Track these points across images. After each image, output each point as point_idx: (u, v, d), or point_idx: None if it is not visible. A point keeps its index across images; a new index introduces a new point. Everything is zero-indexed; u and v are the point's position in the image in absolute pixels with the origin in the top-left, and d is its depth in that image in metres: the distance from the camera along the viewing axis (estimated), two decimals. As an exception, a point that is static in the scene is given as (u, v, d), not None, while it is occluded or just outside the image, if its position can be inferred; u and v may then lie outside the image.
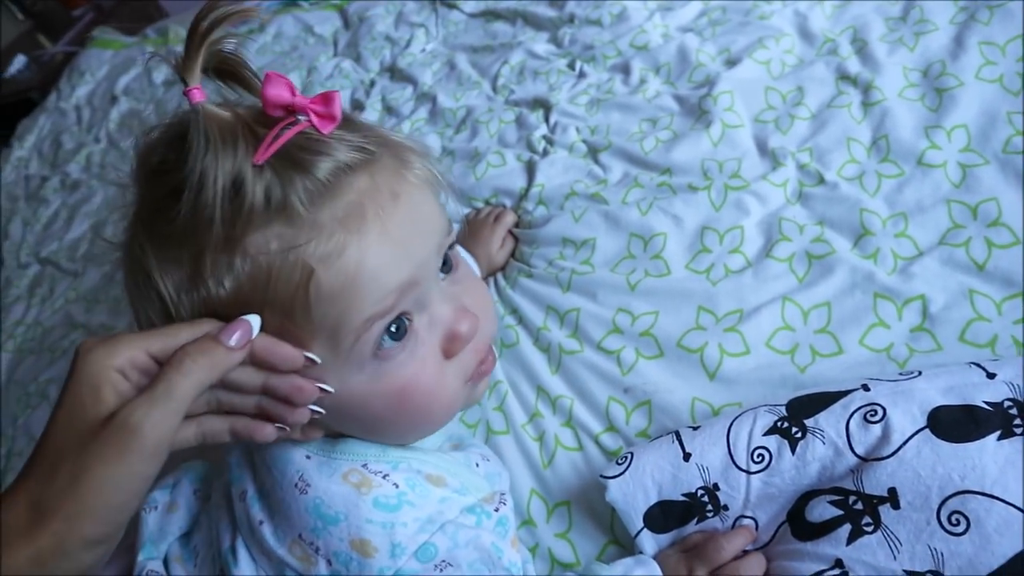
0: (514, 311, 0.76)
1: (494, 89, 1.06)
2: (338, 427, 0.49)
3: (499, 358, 0.73)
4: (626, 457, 0.60)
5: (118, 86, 1.76)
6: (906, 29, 0.84)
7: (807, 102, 0.81)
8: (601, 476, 0.60)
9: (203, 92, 0.40)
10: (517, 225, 0.86)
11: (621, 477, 0.59)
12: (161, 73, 1.75)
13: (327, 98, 0.41)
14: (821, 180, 0.74)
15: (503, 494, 0.55)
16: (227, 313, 0.41)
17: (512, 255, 0.84)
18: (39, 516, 0.36)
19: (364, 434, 0.50)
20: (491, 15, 1.23)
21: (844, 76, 0.82)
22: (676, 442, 0.59)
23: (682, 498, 0.58)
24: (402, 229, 0.42)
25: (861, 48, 0.84)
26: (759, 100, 0.83)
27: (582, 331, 0.71)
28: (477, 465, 0.57)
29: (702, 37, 0.95)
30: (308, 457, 0.48)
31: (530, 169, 0.89)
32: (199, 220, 0.38)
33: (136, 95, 1.71)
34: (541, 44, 1.09)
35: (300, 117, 0.41)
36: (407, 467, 0.49)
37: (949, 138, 0.73)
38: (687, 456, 0.58)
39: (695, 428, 0.60)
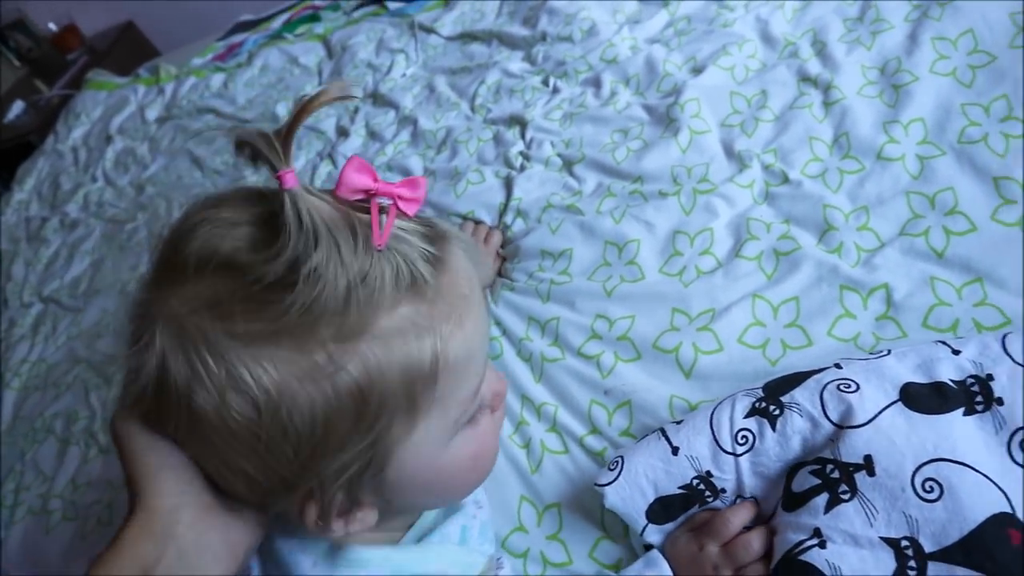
0: (498, 323, 0.79)
1: (472, 109, 1.09)
2: (403, 506, 0.49)
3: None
4: (617, 461, 0.62)
5: (112, 126, 1.80)
6: (863, 29, 0.87)
7: (770, 104, 0.84)
8: (596, 484, 0.61)
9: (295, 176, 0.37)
10: (502, 245, 0.88)
11: (616, 483, 0.61)
12: (154, 110, 1.79)
13: (414, 184, 0.40)
14: (786, 179, 0.76)
15: (499, 559, 0.57)
16: (347, 396, 0.38)
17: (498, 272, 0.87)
18: None
19: (421, 506, 0.52)
20: (467, 37, 1.26)
21: (805, 77, 0.85)
22: (663, 438, 0.61)
23: (679, 491, 0.59)
24: (482, 296, 0.45)
25: (821, 49, 0.87)
26: (725, 105, 0.86)
27: (562, 339, 0.74)
28: (475, 516, 0.58)
29: (669, 47, 0.98)
30: (315, 564, 0.48)
31: (508, 184, 0.92)
32: (317, 314, 0.36)
33: (130, 134, 1.75)
34: (516, 63, 1.12)
35: (383, 201, 0.39)
36: (409, 570, 0.50)
37: (906, 132, 0.75)
38: (675, 450, 0.60)
39: (678, 423, 0.62)
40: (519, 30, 1.18)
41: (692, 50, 0.95)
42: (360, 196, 0.38)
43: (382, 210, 0.38)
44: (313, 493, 0.41)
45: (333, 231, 0.36)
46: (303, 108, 0.38)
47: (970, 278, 0.64)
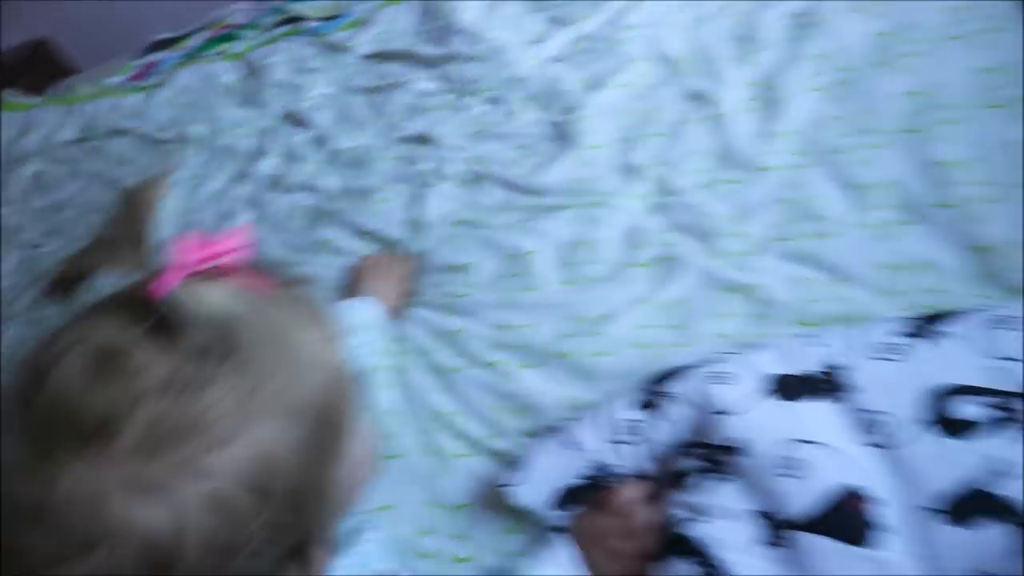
0: (405, 340, 0.82)
1: (386, 127, 1.12)
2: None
3: (392, 387, 0.78)
4: (521, 460, 0.67)
5: (25, 147, 1.76)
6: (746, 47, 0.93)
7: (661, 119, 0.89)
8: (501, 485, 0.66)
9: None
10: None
11: (521, 480, 0.66)
12: (68, 132, 1.75)
13: (238, 235, 0.40)
14: (673, 190, 0.81)
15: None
16: (320, 426, 0.39)
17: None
18: None
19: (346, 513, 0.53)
20: (382, 56, 1.28)
21: (693, 93, 0.90)
22: (563, 435, 0.67)
23: (581, 480, 0.65)
24: None
25: (708, 67, 0.93)
26: (619, 121, 0.91)
27: (467, 349, 0.77)
28: (370, 540, 0.59)
29: (570, 65, 1.03)
30: None
31: (418, 201, 0.95)
32: (269, 378, 0.36)
33: (43, 156, 1.71)
34: (428, 81, 1.15)
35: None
36: None
37: (781, 143, 0.81)
38: (575, 444, 0.66)
39: (576, 419, 0.67)
40: (431, 49, 1.21)
41: (591, 69, 1.00)
42: (200, 268, 0.38)
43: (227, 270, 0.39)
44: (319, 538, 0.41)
45: (238, 303, 0.37)
46: (142, 210, 0.38)
47: (835, 278, 0.70)
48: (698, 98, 0.90)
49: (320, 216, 1.03)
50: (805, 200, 0.76)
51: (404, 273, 0.88)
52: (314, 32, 1.49)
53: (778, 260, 0.73)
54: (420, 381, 0.77)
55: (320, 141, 1.17)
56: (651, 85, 0.95)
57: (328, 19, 1.52)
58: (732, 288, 0.72)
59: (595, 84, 0.97)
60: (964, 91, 0.80)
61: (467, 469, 0.71)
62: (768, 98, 0.86)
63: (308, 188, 1.09)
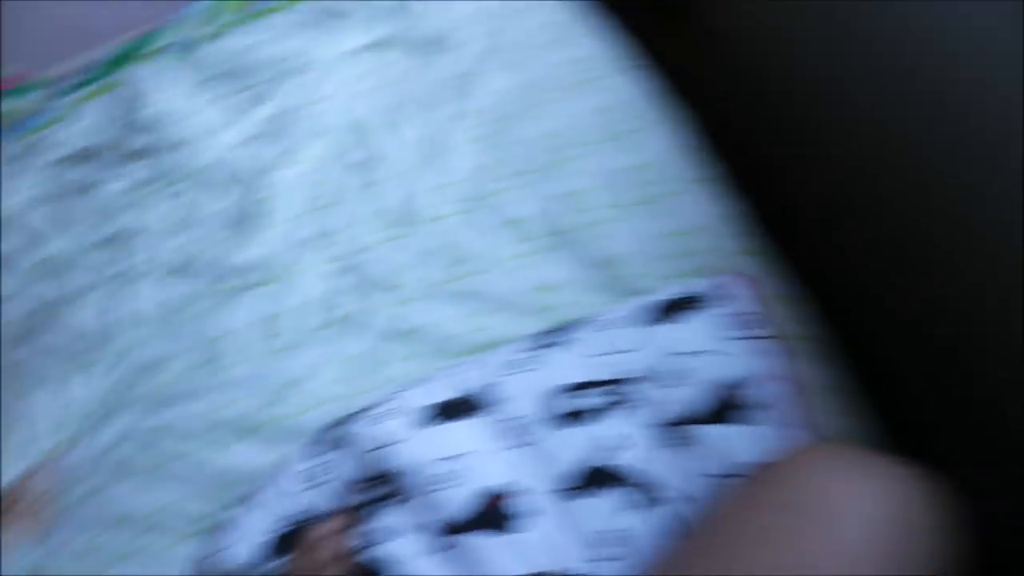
0: (109, 451, 0.83)
1: (91, 226, 1.11)
2: None
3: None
4: (231, 524, 0.74)
5: None
6: (415, 108, 1.04)
7: (342, 188, 0.98)
8: (211, 554, 0.71)
9: None
10: None
11: (229, 543, 0.73)
12: None
13: None
14: (354, 253, 0.90)
15: None
16: None
17: None
18: None
19: None
20: (80, 156, 1.26)
21: (369, 159, 1.00)
22: (267, 493, 0.75)
23: (290, 527, 0.73)
24: None
25: (384, 135, 1.03)
26: (305, 195, 0.98)
27: (183, 436, 0.81)
28: None
29: (262, 142, 1.08)
30: None
31: (122, 300, 0.96)
32: None
33: None
34: (130, 176, 1.15)
35: None
36: None
37: (444, 195, 0.93)
38: (276, 497, 0.74)
39: (273, 479, 0.76)
40: (133, 140, 1.21)
41: (280, 146, 1.06)
42: None
43: None
44: None
45: None
46: None
47: (494, 307, 0.82)
48: (375, 162, 0.99)
49: (25, 332, 1.00)
50: (466, 242, 0.87)
51: (36, 504, 0.85)
52: (11, 133, 1.43)
53: (446, 301, 0.84)
54: (118, 486, 0.79)
55: (22, 252, 1.13)
56: (334, 155, 1.03)
57: (26, 118, 1.46)
58: (408, 333, 0.82)
59: (283, 161, 1.04)
60: (587, 129, 0.96)
61: (190, 552, 0.74)
62: (434, 154, 0.98)
63: (16, 297, 1.05)
